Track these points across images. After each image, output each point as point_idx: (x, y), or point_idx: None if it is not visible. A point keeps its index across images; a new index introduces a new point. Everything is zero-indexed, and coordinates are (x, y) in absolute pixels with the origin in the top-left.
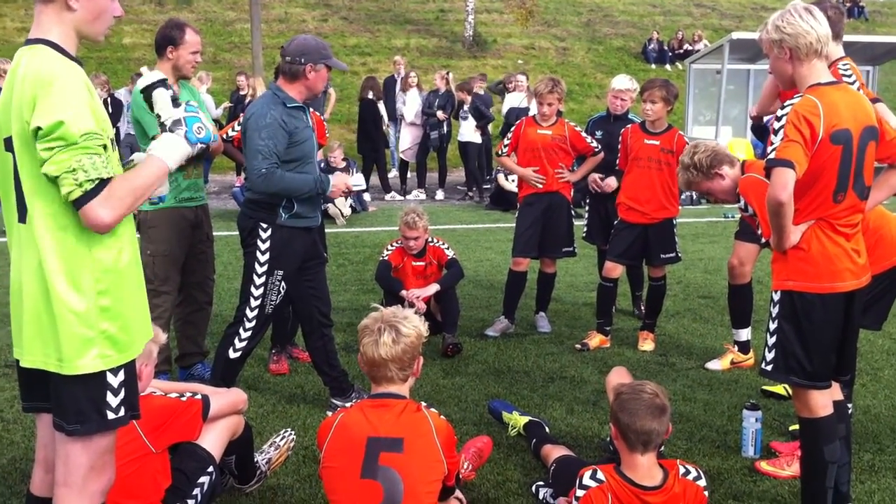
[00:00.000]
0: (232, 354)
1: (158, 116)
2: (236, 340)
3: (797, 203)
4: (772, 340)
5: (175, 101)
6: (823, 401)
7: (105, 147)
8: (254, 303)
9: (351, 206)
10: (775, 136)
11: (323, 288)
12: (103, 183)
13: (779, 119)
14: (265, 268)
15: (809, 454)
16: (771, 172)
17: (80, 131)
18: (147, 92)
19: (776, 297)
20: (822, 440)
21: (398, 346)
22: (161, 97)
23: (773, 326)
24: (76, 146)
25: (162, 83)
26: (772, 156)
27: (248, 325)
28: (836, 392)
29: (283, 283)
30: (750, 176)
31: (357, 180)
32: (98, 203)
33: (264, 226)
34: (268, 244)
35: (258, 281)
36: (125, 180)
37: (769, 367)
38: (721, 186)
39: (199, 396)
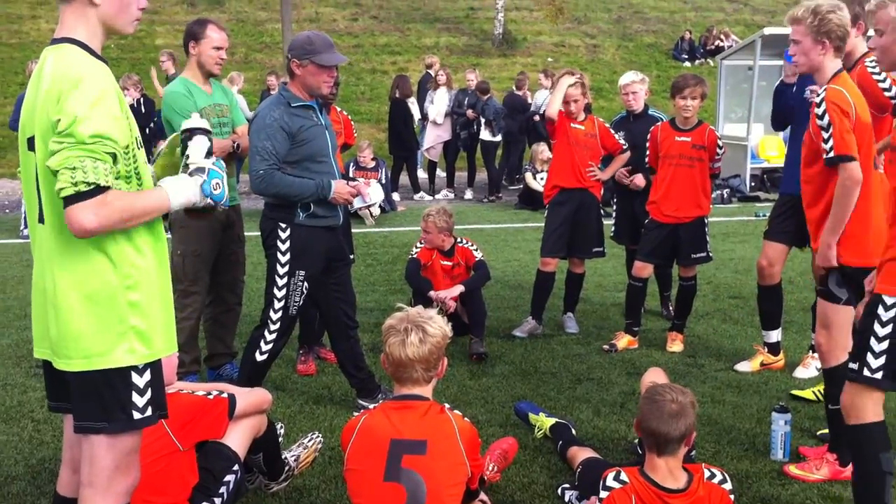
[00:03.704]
0: (258, 357)
1: (187, 158)
2: (262, 343)
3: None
4: (881, 347)
5: (209, 153)
6: (876, 407)
7: (115, 156)
8: (277, 305)
9: (380, 205)
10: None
11: (348, 290)
12: (99, 189)
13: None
14: (286, 269)
15: (864, 465)
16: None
17: (90, 132)
18: (187, 134)
19: (889, 301)
20: (878, 448)
21: (425, 347)
22: (199, 144)
23: (884, 332)
24: (84, 146)
25: (205, 132)
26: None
27: (272, 327)
28: None
29: (305, 284)
30: (838, 91)
31: (376, 193)
32: (87, 206)
33: (283, 226)
34: (287, 244)
35: (280, 282)
36: (124, 198)
37: (879, 375)
38: (809, 52)
39: (225, 395)
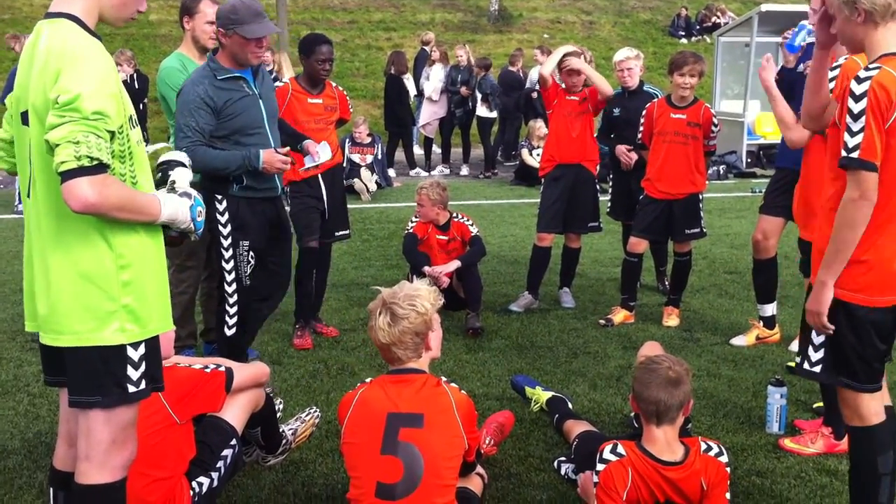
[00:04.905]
0: (228, 332)
1: (173, 183)
2: (226, 318)
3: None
4: (819, 340)
5: (192, 185)
6: (876, 407)
7: (112, 134)
8: (229, 278)
9: (376, 181)
10: (854, 121)
11: (285, 266)
12: (102, 167)
13: (857, 98)
14: (229, 241)
15: (861, 466)
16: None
17: (92, 108)
18: (166, 164)
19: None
20: (876, 450)
21: (395, 329)
22: (183, 174)
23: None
24: (87, 121)
25: (184, 164)
26: (855, 154)
27: (231, 301)
28: (886, 396)
29: (251, 254)
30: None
31: (325, 152)
32: (89, 182)
33: (219, 197)
34: (226, 216)
35: (226, 255)
36: (124, 187)
37: (818, 369)
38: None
39: (222, 368)
